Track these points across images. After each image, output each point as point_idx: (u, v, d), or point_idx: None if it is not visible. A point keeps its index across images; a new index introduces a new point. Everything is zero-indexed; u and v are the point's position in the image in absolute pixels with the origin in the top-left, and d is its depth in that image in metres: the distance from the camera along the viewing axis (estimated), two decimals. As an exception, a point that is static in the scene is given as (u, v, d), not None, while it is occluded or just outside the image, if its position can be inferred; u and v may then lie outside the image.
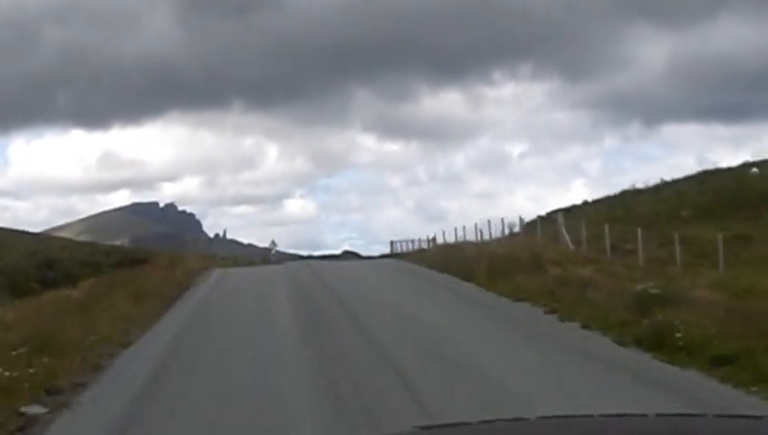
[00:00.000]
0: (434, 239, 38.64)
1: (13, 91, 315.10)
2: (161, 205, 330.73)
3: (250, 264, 40.70)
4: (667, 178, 40.30)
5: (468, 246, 27.78)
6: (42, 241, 42.11)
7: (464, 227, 33.34)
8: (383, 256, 43.71)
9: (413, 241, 44.69)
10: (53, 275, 32.51)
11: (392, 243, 50.89)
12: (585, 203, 43.12)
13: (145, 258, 37.57)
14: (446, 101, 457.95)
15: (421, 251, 36.32)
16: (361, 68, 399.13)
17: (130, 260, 36.86)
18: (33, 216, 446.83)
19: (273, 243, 60.70)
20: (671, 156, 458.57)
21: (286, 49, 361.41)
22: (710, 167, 42.25)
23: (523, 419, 2.00)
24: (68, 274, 32.34)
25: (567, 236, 24.16)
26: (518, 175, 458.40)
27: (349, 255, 76.35)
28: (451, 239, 34.14)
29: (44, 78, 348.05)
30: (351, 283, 22.30)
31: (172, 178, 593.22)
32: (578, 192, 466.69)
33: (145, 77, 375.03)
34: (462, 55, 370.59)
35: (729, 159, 75.62)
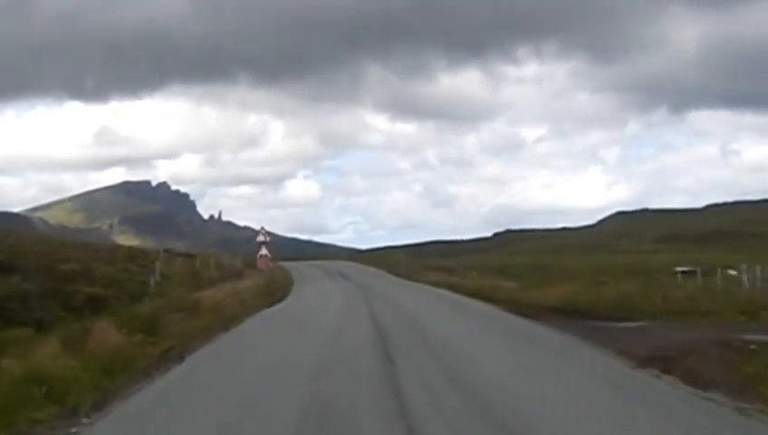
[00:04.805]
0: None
1: (4, 59, 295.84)
2: (153, 183, 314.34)
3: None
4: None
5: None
6: None
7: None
8: None
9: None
10: None
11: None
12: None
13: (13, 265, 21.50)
14: (464, 80, 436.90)
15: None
16: (376, 42, 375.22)
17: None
18: (21, 193, 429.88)
19: (264, 233, 43.38)
20: (693, 145, 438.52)
21: (296, 20, 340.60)
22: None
23: None
24: None
25: None
26: (532, 160, 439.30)
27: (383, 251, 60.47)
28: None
29: (38, 45, 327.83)
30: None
31: (170, 155, 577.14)
32: (594, 179, 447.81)
33: (146, 47, 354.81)
34: (484, 30, 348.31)
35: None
